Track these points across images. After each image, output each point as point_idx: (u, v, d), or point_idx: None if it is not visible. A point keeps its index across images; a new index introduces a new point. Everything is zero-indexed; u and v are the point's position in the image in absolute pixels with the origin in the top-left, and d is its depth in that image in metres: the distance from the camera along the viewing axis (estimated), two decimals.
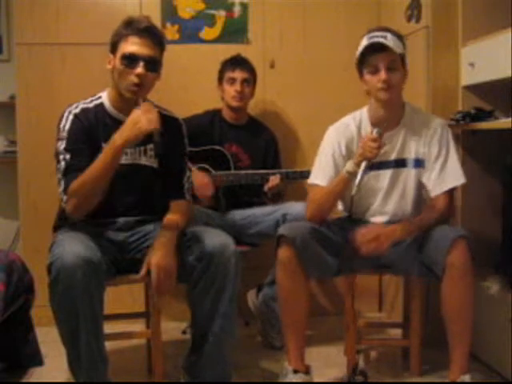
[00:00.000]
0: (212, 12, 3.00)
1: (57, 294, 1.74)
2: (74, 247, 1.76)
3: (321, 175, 2.21)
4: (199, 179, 2.61)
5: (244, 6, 3.00)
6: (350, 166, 2.10)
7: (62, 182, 1.93)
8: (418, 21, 2.59)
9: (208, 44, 3.00)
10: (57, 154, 1.97)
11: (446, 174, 2.13)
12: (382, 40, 2.06)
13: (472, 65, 2.41)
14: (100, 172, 1.86)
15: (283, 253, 2.05)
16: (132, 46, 1.93)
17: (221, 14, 3.00)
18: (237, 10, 3.00)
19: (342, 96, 2.97)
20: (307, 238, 2.05)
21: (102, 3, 2.92)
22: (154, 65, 1.97)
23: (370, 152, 2.05)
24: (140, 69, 1.93)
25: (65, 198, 1.92)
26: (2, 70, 3.40)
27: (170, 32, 2.97)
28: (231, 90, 2.71)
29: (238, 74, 2.71)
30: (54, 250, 1.82)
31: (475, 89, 2.48)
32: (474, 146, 2.51)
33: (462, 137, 2.50)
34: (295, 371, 2.06)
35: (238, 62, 2.75)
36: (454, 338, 1.99)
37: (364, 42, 2.11)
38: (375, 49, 2.07)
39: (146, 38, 1.94)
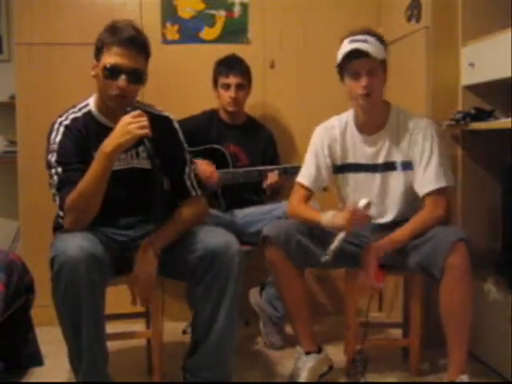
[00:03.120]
0: (212, 12, 3.00)
1: (59, 287, 1.74)
2: (78, 241, 1.77)
3: (305, 174, 2.28)
4: (203, 170, 2.61)
5: (244, 6, 3.00)
6: (327, 220, 2.08)
7: (57, 198, 1.92)
8: (418, 21, 2.59)
9: (208, 44, 3.00)
10: (49, 167, 1.95)
11: (429, 175, 2.11)
12: (363, 46, 2.06)
13: (472, 65, 2.41)
14: (93, 182, 1.84)
15: (270, 253, 2.14)
16: (114, 57, 1.89)
17: (221, 14, 3.00)
18: (237, 10, 3.00)
19: (342, 96, 2.95)
20: (291, 233, 2.12)
21: (102, 3, 2.93)
22: (136, 76, 1.92)
23: (355, 224, 2.03)
24: (122, 82, 1.89)
25: (61, 213, 1.91)
26: (2, 70, 3.41)
27: (170, 32, 2.98)
28: (226, 96, 2.71)
29: (232, 80, 2.69)
30: (57, 244, 1.82)
31: (475, 89, 2.47)
32: (474, 145, 2.51)
33: (461, 137, 2.50)
34: (307, 353, 2.19)
35: (231, 65, 2.72)
36: (452, 339, 2.00)
37: (345, 47, 2.10)
38: (356, 54, 2.06)
39: (129, 49, 1.89)
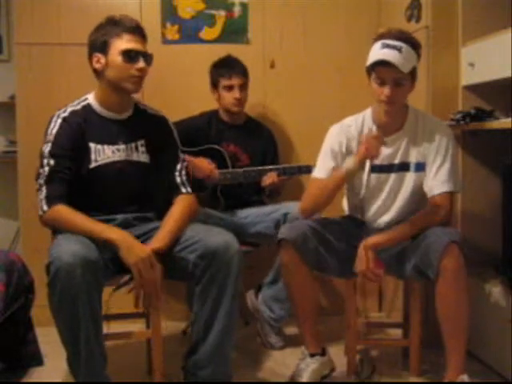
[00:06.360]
0: (212, 12, 3.00)
1: (55, 293, 1.74)
2: (72, 246, 1.77)
3: (322, 169, 2.23)
4: (203, 167, 2.61)
5: (244, 6, 3.00)
6: (350, 163, 2.11)
7: (44, 189, 1.94)
8: (418, 21, 2.59)
9: (208, 44, 3.00)
10: (41, 157, 1.98)
11: (441, 177, 2.11)
12: (395, 56, 1.99)
13: (472, 65, 2.41)
14: (81, 232, 1.88)
15: (286, 256, 2.11)
16: (130, 43, 2.02)
17: (221, 14, 3.00)
18: (237, 10, 3.00)
19: (342, 96, 2.97)
20: (308, 236, 2.10)
21: (103, 3, 2.92)
22: (149, 59, 2.08)
23: (375, 149, 2.05)
24: (141, 63, 2.02)
25: (45, 206, 1.94)
26: (1, 70, 3.41)
27: (170, 32, 2.98)
28: (230, 97, 2.70)
29: (235, 81, 2.68)
30: (52, 250, 1.82)
31: (475, 89, 2.47)
32: (474, 145, 2.51)
33: (461, 137, 2.50)
34: (312, 355, 2.19)
35: (231, 66, 2.71)
36: (449, 340, 1.99)
37: (377, 51, 2.05)
38: (386, 62, 2.02)
39: (138, 35, 2.05)
